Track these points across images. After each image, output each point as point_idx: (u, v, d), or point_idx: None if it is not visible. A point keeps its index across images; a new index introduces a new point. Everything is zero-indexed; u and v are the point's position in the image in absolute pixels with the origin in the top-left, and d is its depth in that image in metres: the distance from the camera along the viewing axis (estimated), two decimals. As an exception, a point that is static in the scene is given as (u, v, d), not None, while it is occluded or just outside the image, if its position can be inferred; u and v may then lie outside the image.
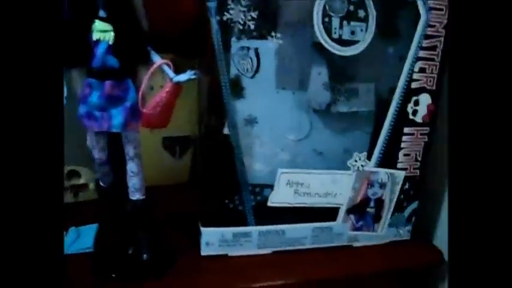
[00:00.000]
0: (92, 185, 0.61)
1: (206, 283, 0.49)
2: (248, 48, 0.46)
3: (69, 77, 0.43)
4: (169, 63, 0.43)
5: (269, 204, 0.52)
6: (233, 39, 0.45)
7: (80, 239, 0.53)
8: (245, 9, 0.44)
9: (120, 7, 0.40)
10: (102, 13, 0.40)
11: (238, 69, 0.47)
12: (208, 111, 0.49)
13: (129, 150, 0.45)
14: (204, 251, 0.53)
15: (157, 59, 0.43)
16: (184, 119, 0.65)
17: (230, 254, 0.53)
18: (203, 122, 0.52)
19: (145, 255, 0.48)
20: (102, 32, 0.40)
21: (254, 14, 0.45)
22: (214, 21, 0.44)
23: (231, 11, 0.44)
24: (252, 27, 0.45)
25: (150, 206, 0.48)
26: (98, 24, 0.40)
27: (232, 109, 0.48)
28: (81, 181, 0.62)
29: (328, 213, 0.54)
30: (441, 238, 0.59)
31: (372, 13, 0.47)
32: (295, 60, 0.48)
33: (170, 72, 0.43)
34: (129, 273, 0.48)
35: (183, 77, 0.43)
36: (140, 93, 0.43)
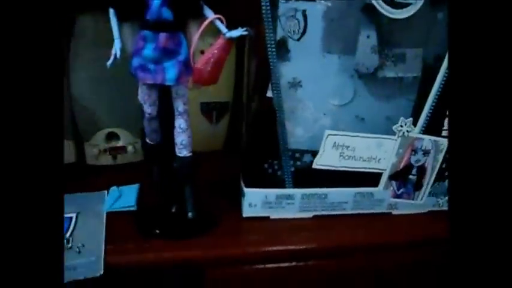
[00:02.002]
0: (130, 148, 0.61)
1: (248, 243, 0.50)
2: (296, 10, 0.45)
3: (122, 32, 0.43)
4: (222, 18, 0.43)
5: (314, 166, 0.52)
6: (281, 0, 0.44)
7: (122, 198, 0.54)
8: (294, -31, 0.43)
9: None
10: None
11: (284, 31, 0.46)
12: (253, 74, 0.49)
13: (179, 106, 0.45)
14: (246, 213, 0.53)
15: (210, 14, 0.43)
16: (222, 84, 0.64)
17: (272, 216, 0.54)
18: (248, 85, 0.52)
19: (190, 213, 0.48)
20: (158, -16, 0.40)
21: (303, -26, 0.44)
22: (262, -19, 0.43)
23: (280, -29, 0.43)
24: (301, -12, 0.44)
25: (197, 163, 0.48)
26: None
27: (276, 71, 0.47)
28: (120, 143, 0.62)
29: (371, 179, 0.54)
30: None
31: (426, -26, 0.46)
32: (343, 23, 0.47)
33: (223, 27, 0.43)
34: (173, 231, 0.48)
35: (235, 33, 0.43)
36: (192, 47, 0.43)
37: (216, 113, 0.66)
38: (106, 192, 0.56)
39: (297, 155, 0.52)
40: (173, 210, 0.49)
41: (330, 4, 0.46)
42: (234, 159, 0.57)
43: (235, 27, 0.43)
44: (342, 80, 0.49)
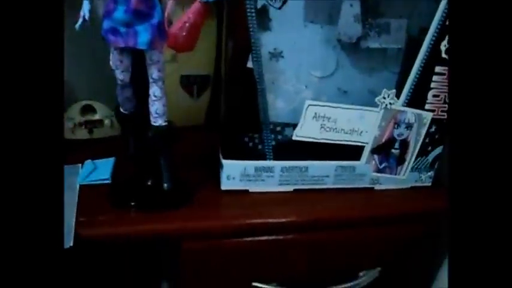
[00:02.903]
0: (107, 121, 0.60)
1: (225, 215, 0.49)
2: (277, -24, 0.44)
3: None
4: (198, -20, 0.41)
5: (294, 138, 0.51)
6: (262, -35, 0.43)
7: (97, 171, 0.53)
8: None
9: None
10: None
11: (266, -2, 0.44)
12: (232, 44, 0.47)
13: (153, 72, 0.43)
14: (225, 185, 0.52)
15: (186, -24, 0.41)
16: (203, 56, 0.62)
17: (251, 189, 0.53)
18: (227, 55, 0.50)
19: (166, 185, 0.47)
20: None
21: None
22: None
23: None
24: (283, -47, 0.43)
25: (173, 133, 0.46)
26: None
27: (257, 41, 0.46)
28: (96, 117, 0.60)
29: (353, 152, 0.53)
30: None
31: None
32: (326, -9, 0.45)
33: (199, -10, 0.41)
34: (148, 202, 0.47)
35: (211, -3, 0.41)
36: (167, 12, 0.41)
37: (196, 87, 0.65)
38: (80, 165, 0.54)
39: (278, 128, 0.51)
40: (149, 182, 0.48)
41: (312, -29, 0.44)
42: (215, 134, 0.56)
43: (213, -8, 0.42)
44: (325, 51, 0.48)
